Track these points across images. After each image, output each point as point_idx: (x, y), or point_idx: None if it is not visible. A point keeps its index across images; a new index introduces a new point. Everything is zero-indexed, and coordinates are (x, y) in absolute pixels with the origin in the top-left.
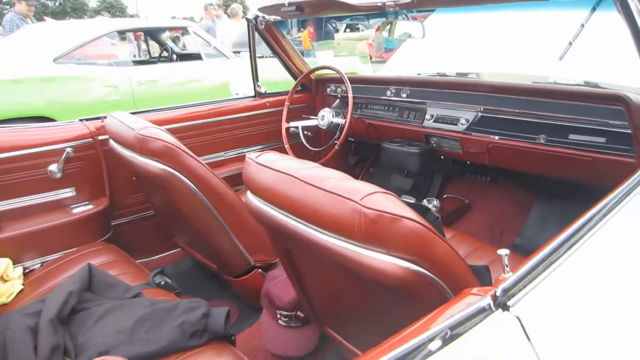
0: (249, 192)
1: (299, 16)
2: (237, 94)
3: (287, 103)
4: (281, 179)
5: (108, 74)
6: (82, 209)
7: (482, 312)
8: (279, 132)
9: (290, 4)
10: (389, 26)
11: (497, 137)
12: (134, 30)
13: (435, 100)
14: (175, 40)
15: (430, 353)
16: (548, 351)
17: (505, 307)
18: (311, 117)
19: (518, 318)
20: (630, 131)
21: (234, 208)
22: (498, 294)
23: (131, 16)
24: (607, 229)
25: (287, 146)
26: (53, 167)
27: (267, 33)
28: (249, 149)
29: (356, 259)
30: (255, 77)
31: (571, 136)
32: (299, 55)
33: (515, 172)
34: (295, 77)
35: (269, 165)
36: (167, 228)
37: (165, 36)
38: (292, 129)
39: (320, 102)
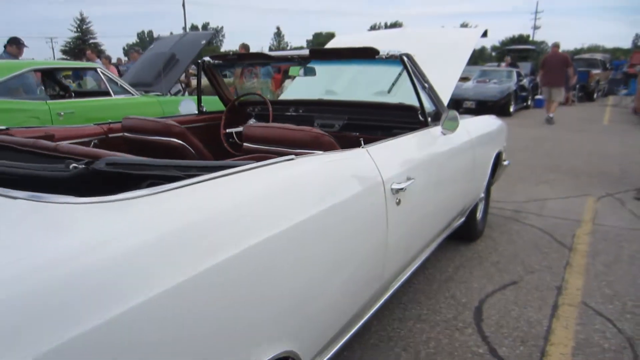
0: (245, 143)
1: (237, 62)
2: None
3: (223, 117)
4: (272, 129)
5: (29, 107)
6: None
7: (354, 149)
8: (215, 138)
9: (233, 54)
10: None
11: (357, 134)
12: (53, 70)
13: (319, 114)
14: (78, 79)
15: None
16: (377, 159)
17: (363, 147)
18: (240, 125)
19: (367, 150)
20: (419, 126)
21: None
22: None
23: None
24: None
25: (225, 144)
26: None
27: (209, 72)
28: None
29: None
30: (199, 101)
31: (394, 130)
32: (227, 88)
33: None
34: (223, 101)
35: (263, 125)
36: None
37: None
38: (226, 134)
39: (243, 118)
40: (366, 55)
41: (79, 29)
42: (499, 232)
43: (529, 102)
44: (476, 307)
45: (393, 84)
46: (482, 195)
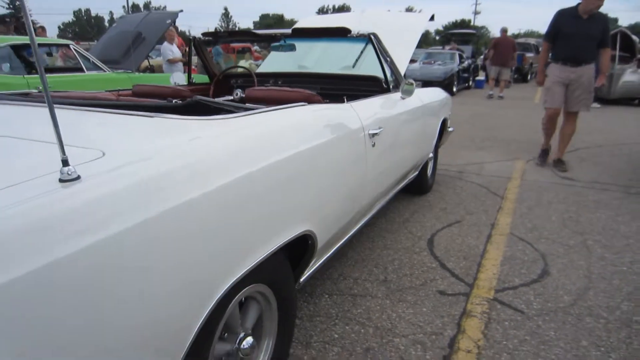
0: (248, 104)
1: (227, 39)
2: (175, 83)
3: (212, 87)
4: (272, 91)
5: (9, 81)
6: None
7: (342, 103)
8: None
9: (225, 32)
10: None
11: (327, 101)
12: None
13: (295, 84)
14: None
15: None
16: (358, 111)
17: (347, 102)
18: (227, 96)
19: (351, 105)
20: (382, 92)
21: None
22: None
23: None
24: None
25: None
26: None
27: (199, 48)
28: None
29: None
30: (189, 74)
31: (360, 97)
32: (213, 63)
33: None
34: (210, 75)
35: (264, 88)
36: None
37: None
38: None
39: (227, 89)
40: (339, 34)
41: (11, 5)
42: (445, 186)
43: (470, 83)
44: (429, 238)
45: (357, 60)
46: (431, 155)
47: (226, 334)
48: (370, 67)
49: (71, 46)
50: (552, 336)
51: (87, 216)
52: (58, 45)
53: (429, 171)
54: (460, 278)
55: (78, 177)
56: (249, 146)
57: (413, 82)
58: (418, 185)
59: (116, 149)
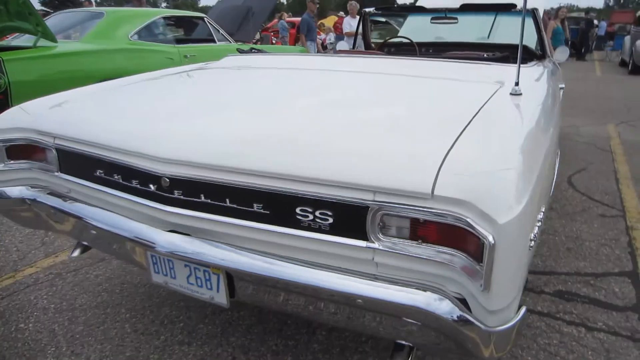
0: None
1: (397, 13)
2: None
3: None
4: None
5: (164, 49)
6: None
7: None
8: None
9: (397, 6)
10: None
11: None
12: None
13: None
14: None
15: None
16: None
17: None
18: None
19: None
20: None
21: None
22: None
23: None
24: None
25: None
26: None
27: (366, 20)
28: None
29: None
30: (355, 42)
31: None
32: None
33: None
34: (366, 44)
35: (461, 53)
36: None
37: None
38: None
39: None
40: (505, 8)
41: None
42: None
43: None
44: (567, 180)
45: (490, 30)
46: None
47: None
48: (504, 36)
49: (205, 19)
50: None
51: (530, 109)
52: (194, 18)
53: None
54: (611, 206)
55: (521, 93)
56: (542, 86)
57: (566, 49)
58: None
59: (504, 82)
